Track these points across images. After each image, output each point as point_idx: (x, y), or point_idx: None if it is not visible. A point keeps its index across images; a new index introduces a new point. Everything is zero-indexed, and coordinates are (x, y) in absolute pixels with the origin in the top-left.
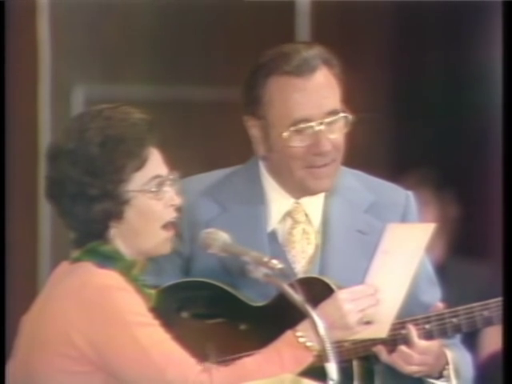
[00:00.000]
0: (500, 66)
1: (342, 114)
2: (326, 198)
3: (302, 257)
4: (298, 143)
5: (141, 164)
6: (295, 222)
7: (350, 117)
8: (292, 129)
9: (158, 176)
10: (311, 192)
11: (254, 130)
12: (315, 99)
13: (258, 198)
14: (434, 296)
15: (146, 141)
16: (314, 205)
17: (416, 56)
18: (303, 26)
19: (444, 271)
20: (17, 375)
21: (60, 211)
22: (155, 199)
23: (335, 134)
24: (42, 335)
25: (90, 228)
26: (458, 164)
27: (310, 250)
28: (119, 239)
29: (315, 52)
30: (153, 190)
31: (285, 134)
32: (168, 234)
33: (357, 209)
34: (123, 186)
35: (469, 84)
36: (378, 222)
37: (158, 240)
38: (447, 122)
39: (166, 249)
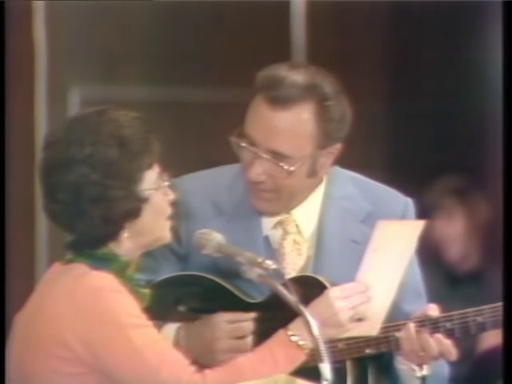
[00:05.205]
0: (500, 66)
1: (282, 165)
2: (322, 206)
3: (292, 268)
4: (241, 156)
5: (152, 161)
6: (286, 233)
7: (292, 169)
8: (235, 139)
9: (160, 172)
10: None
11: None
12: (267, 134)
13: (252, 207)
14: (417, 307)
15: (151, 139)
16: (306, 215)
17: (414, 56)
18: (298, 26)
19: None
20: (11, 374)
21: (70, 217)
22: (163, 194)
23: (278, 174)
24: (36, 336)
25: (104, 230)
26: (455, 165)
27: (301, 261)
28: (129, 238)
29: (303, 82)
30: (162, 185)
31: (232, 139)
32: (169, 224)
33: (353, 218)
34: (141, 185)
35: (468, 84)
36: (372, 232)
37: (163, 231)
38: (445, 121)
39: (167, 238)
